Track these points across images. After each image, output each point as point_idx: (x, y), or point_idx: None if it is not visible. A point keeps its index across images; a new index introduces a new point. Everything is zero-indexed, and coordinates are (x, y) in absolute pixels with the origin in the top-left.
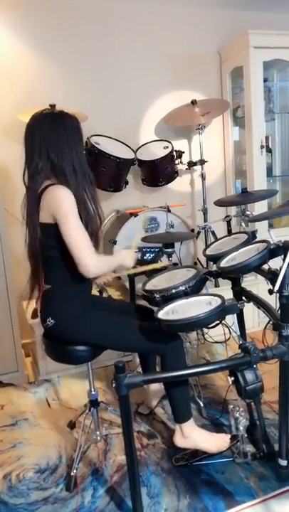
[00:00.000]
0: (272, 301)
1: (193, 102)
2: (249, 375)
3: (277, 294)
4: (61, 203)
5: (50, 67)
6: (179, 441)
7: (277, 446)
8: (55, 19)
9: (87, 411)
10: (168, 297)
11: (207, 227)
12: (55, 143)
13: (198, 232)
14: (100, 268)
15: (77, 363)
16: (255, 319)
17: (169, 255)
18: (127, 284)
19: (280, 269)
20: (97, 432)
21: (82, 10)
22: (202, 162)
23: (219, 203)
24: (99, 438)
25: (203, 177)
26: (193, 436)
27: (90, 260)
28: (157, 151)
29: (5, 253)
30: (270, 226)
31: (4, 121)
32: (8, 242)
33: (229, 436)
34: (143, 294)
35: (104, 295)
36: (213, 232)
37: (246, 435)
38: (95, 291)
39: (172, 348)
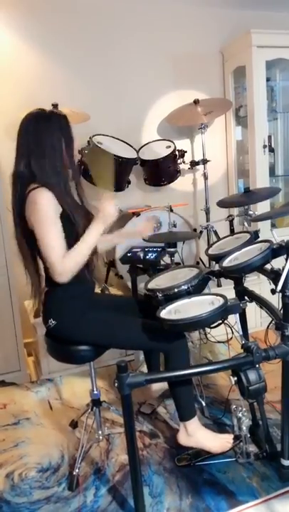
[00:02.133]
0: (275, 300)
1: (196, 102)
2: (252, 375)
3: (280, 294)
4: (35, 208)
5: (52, 67)
6: (183, 439)
7: (280, 446)
8: (57, 19)
9: (89, 410)
10: (170, 296)
11: (209, 227)
12: (39, 145)
13: (201, 232)
14: (73, 266)
15: (79, 363)
16: (257, 319)
17: (172, 255)
18: (129, 284)
19: (283, 269)
20: (100, 432)
21: (85, 10)
22: (204, 161)
23: (222, 204)
24: (101, 437)
25: (205, 176)
26: (197, 435)
27: (59, 268)
28: (160, 151)
29: (7, 253)
30: (273, 226)
31: (6, 121)
32: (10, 242)
33: (232, 436)
34: (145, 293)
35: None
36: (215, 232)
37: (249, 435)
38: (97, 290)
39: (176, 346)
